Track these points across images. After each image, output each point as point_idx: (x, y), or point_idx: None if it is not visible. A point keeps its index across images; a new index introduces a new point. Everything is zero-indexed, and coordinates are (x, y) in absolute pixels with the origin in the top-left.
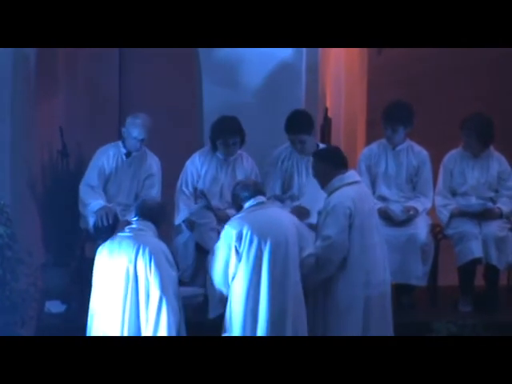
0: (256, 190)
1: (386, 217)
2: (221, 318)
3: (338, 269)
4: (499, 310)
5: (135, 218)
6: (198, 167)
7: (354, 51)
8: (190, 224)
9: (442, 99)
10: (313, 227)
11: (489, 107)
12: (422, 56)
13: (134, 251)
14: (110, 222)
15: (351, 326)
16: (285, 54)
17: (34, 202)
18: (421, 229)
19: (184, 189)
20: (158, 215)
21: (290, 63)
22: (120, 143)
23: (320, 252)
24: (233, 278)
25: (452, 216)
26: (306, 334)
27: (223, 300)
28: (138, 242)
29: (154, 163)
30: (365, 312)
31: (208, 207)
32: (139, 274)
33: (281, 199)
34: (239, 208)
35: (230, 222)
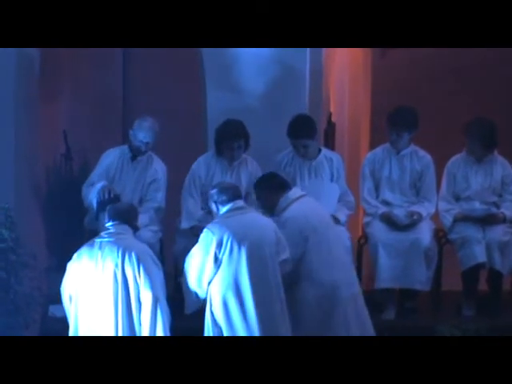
0: (234, 193)
1: (390, 221)
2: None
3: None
4: (502, 315)
5: (110, 223)
6: (203, 171)
7: (358, 55)
8: (196, 230)
9: (446, 103)
10: None
11: (492, 110)
12: (425, 60)
13: (120, 256)
14: (112, 195)
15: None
16: (289, 58)
17: (38, 206)
18: (424, 233)
19: (190, 193)
20: (132, 217)
21: (294, 67)
22: (126, 147)
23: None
24: (209, 282)
25: (455, 221)
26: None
27: (199, 298)
28: (122, 246)
29: (159, 168)
30: (336, 319)
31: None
32: (128, 278)
33: None
34: (218, 213)
35: (209, 228)
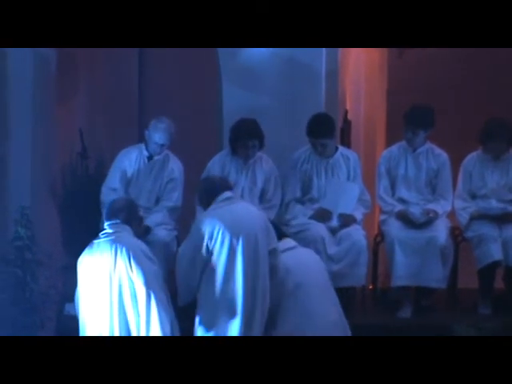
0: (223, 185)
1: (406, 219)
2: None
3: None
4: None
5: (107, 223)
6: (218, 171)
7: (374, 54)
8: None
9: (462, 102)
10: (334, 229)
11: (507, 110)
12: (441, 59)
13: (113, 253)
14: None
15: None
16: (305, 56)
17: (53, 204)
18: (440, 231)
19: None
20: (127, 214)
21: (310, 66)
22: (143, 146)
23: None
24: (201, 272)
25: (472, 219)
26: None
27: (191, 290)
28: (115, 243)
29: (175, 167)
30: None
31: None
32: (121, 275)
33: (301, 202)
34: (207, 206)
35: (200, 220)
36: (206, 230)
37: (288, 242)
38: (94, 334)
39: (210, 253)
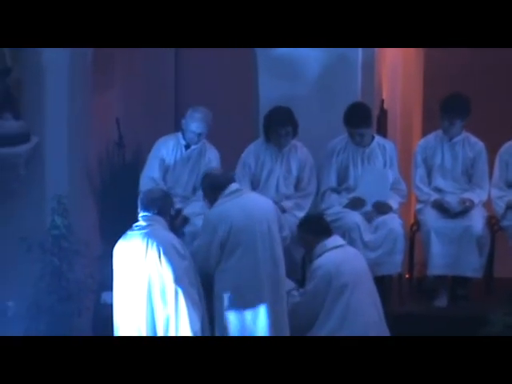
0: (227, 178)
1: (442, 208)
2: None
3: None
4: None
5: (141, 214)
6: (253, 160)
7: None
8: None
9: (498, 91)
10: (370, 218)
11: None
12: (478, 48)
13: (144, 247)
14: (173, 213)
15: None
16: None
17: (90, 193)
18: (477, 221)
19: (240, 182)
20: (162, 205)
21: (347, 55)
22: (180, 135)
23: (296, 303)
24: (216, 263)
25: (508, 208)
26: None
27: (209, 281)
28: (146, 237)
29: (213, 156)
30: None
31: None
32: (151, 269)
33: (337, 191)
34: (214, 200)
35: (210, 215)
36: (218, 225)
37: (337, 240)
38: (125, 326)
39: (224, 246)
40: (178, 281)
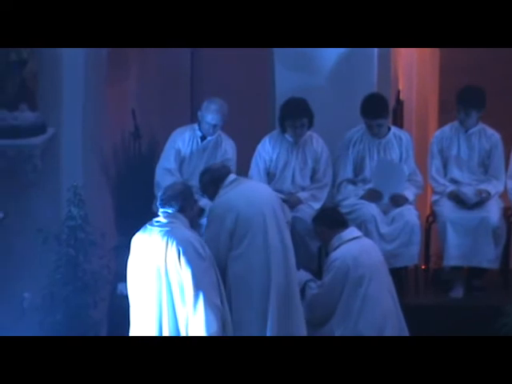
0: (224, 170)
1: (458, 200)
2: None
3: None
4: None
5: (161, 210)
6: (269, 151)
7: None
8: None
9: None
10: (386, 209)
11: None
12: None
13: (164, 246)
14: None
15: None
16: None
17: (106, 184)
18: (493, 212)
19: (255, 173)
20: (183, 201)
21: None
22: (196, 126)
23: (314, 294)
24: (228, 251)
25: None
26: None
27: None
28: (166, 235)
29: (229, 148)
30: None
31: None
32: (170, 269)
33: (353, 182)
34: (214, 194)
35: (215, 207)
36: (225, 215)
37: (354, 231)
38: (143, 322)
39: (233, 235)
40: (197, 283)
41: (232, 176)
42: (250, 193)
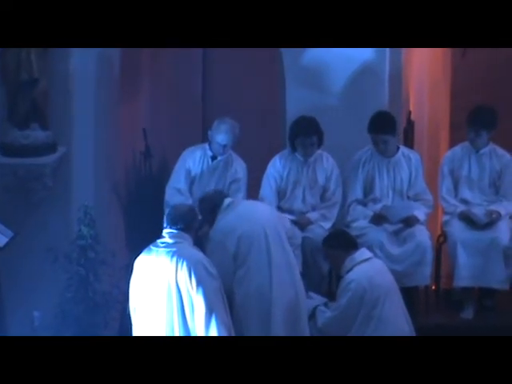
0: (220, 195)
1: (469, 220)
2: None
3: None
4: None
5: (168, 230)
6: (279, 170)
7: (438, 54)
8: None
9: None
10: (397, 231)
11: None
12: (506, 58)
13: (174, 267)
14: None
15: None
16: (368, 56)
17: (117, 204)
18: (503, 232)
19: (266, 192)
20: (189, 221)
21: (374, 66)
22: (207, 146)
23: (327, 317)
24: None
25: None
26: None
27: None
28: (175, 255)
29: (239, 168)
30: None
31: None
32: (181, 289)
33: (363, 203)
34: (213, 221)
35: (216, 233)
36: (226, 240)
37: (365, 252)
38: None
39: (236, 258)
40: (207, 301)
41: (228, 200)
42: (248, 212)
